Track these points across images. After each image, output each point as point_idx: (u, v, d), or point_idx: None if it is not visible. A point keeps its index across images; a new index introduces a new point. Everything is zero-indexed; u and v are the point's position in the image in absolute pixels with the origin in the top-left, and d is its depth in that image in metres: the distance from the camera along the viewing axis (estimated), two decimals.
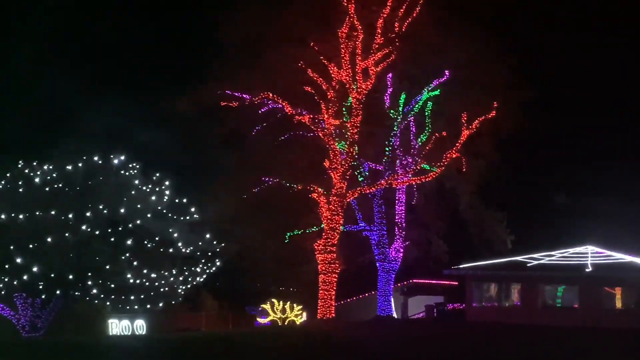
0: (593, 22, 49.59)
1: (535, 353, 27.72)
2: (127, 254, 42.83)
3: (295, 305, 50.62)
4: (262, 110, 39.26)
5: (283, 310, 51.79)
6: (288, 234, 40.88)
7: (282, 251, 43.02)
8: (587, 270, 40.13)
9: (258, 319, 51.56)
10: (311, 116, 38.02)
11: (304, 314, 48.94)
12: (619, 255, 42.44)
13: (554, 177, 52.97)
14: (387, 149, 41.60)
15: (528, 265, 42.60)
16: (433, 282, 52.40)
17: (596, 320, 38.30)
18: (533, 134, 44.87)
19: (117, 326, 46.62)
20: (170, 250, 44.72)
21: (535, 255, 43.99)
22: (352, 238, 46.43)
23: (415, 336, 32.74)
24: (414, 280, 53.98)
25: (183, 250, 45.29)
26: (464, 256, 45.86)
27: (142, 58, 53.51)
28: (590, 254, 42.87)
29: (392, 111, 41.79)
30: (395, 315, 53.38)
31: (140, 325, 46.97)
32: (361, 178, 41.44)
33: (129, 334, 45.73)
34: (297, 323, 48.73)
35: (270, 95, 38.02)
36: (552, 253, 44.22)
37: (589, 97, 51.73)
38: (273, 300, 51.73)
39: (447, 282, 50.14)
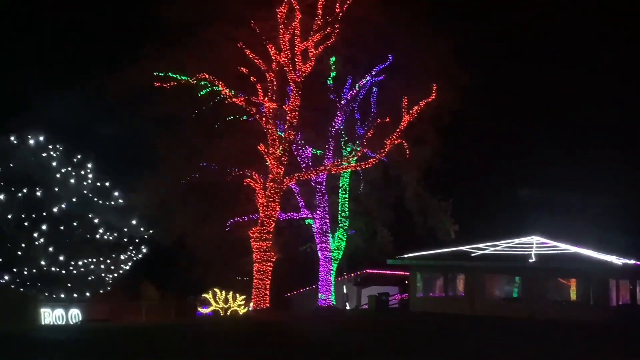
0: (535, 8, 48.89)
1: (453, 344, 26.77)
2: (42, 240, 40.85)
3: (238, 295, 49.39)
4: (200, 92, 37.79)
5: (225, 300, 50.54)
6: (230, 221, 39.59)
7: (222, 240, 41.51)
8: (530, 260, 39.49)
9: (199, 309, 50.24)
10: (245, 98, 36.62)
11: (251, 304, 47.66)
12: (564, 246, 42.00)
13: (499, 167, 52.29)
14: (329, 134, 40.55)
15: (472, 255, 41.93)
16: (387, 272, 51.39)
17: (539, 311, 37.66)
18: (478, 122, 44.14)
19: (50, 315, 44.87)
20: (89, 236, 42.86)
21: (480, 245, 43.44)
22: (296, 227, 45.46)
23: (337, 327, 31.59)
24: (368, 271, 53.10)
25: (106, 236, 43.49)
26: (409, 246, 45.18)
27: (70, 34, 50.44)
28: (535, 245, 42.36)
29: (335, 96, 40.71)
30: (348, 306, 52.62)
31: (75, 315, 45.34)
32: (304, 165, 40.32)
33: (63, 323, 44.06)
34: (240, 313, 47.55)
35: (207, 76, 36.56)
36: (497, 243, 43.70)
37: (533, 86, 51.11)
38: (215, 289, 50.47)
39: (401, 273, 49.21)
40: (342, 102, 40.70)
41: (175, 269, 49.90)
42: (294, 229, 45.86)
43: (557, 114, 51.60)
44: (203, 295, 50.31)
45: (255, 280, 37.11)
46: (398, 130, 38.20)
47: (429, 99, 37.56)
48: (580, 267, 38.54)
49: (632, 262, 40.32)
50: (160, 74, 36.66)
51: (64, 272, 42.19)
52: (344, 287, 54.84)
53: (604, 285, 38.12)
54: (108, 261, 44.20)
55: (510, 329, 32.24)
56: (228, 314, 49.62)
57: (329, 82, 40.38)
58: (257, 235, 36.86)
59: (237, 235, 39.63)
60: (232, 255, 45.24)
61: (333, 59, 40.09)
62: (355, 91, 40.70)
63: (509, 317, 36.90)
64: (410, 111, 37.94)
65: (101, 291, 45.00)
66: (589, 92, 52.75)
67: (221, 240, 41.58)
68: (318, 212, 42.03)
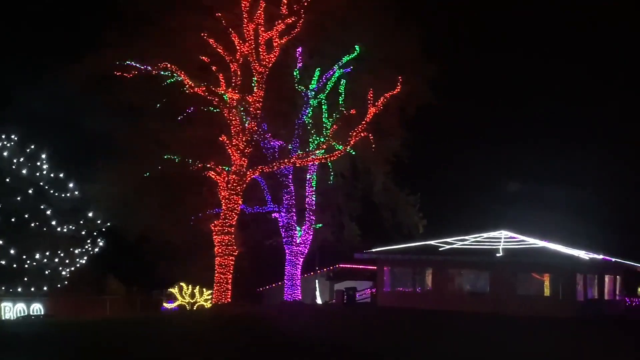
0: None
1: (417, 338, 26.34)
2: None
3: (205, 289, 48.63)
4: (165, 82, 36.89)
5: (192, 295, 49.77)
6: (193, 216, 38.76)
7: (187, 233, 40.61)
8: (497, 255, 39.08)
9: (165, 304, 49.44)
10: (208, 88, 35.78)
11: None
12: (532, 241, 41.69)
13: (468, 161, 51.93)
14: (295, 126, 39.88)
15: (440, 249, 41.47)
16: (360, 267, 50.85)
17: (506, 306, 37.28)
18: (446, 115, 43.69)
19: (11, 310, 43.92)
20: (45, 229, 41.72)
21: (448, 240, 43.02)
22: (262, 220, 44.74)
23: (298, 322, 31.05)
24: (341, 265, 52.57)
25: (61, 229, 42.34)
26: (378, 240, 44.65)
27: (27, 20, 48.99)
28: (503, 239, 41.99)
29: (302, 87, 40.01)
30: (320, 300, 52.04)
31: (37, 309, 44.42)
32: (269, 157, 39.61)
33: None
34: (207, 307, 46.81)
35: (168, 65, 35.66)
36: (466, 238, 43.28)
37: (503, 77, 50.69)
38: (182, 284, 49.66)
39: (375, 268, 48.67)
40: (309, 93, 39.99)
41: (140, 262, 48.91)
42: (260, 223, 45.15)
43: (527, 106, 51.28)
44: (169, 289, 49.59)
45: (216, 275, 36.33)
46: (364, 122, 37.58)
47: (395, 91, 36.94)
48: (547, 261, 38.20)
49: (600, 257, 40.06)
50: (121, 63, 35.74)
51: (15, 266, 41.01)
52: (317, 281, 54.33)
53: (571, 280, 37.81)
54: (62, 255, 43.05)
55: (471, 323, 31.83)
56: (195, 308, 48.95)
57: (294, 74, 39.59)
58: (219, 229, 36.07)
59: (201, 229, 38.78)
60: (197, 249, 44.37)
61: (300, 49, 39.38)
62: (321, 83, 40.00)
63: (476, 311, 36.53)
64: (376, 103, 37.29)
65: (59, 285, 43.90)
66: (561, 84, 52.54)
67: (186, 234, 40.69)
68: (284, 205, 41.34)
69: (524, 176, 51.10)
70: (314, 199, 42.27)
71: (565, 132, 52.87)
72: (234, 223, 36.40)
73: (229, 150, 36.29)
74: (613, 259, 40.73)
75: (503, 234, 42.95)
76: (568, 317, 34.76)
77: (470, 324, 31.64)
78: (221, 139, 35.96)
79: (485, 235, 43.25)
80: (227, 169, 36.50)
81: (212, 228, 36.32)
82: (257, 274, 53.51)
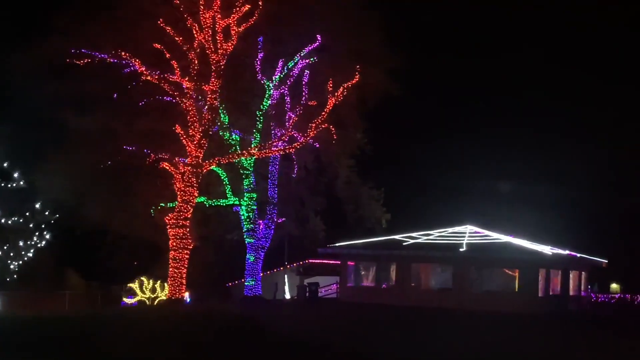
0: None
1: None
2: None
3: (166, 284, 47.50)
4: (120, 71, 35.72)
5: (153, 290, 48.67)
6: (157, 207, 37.65)
7: (146, 226, 39.43)
8: (460, 250, 38.48)
9: (124, 299, 48.31)
10: (163, 76, 34.70)
11: (187, 293, 45.90)
12: (496, 236, 41.18)
13: (434, 155, 51.16)
14: (256, 117, 38.90)
15: (404, 244, 40.79)
16: (330, 262, 50.02)
17: (470, 301, 36.66)
18: (413, 109, 42.92)
19: None
20: None
21: (413, 234, 42.44)
22: (223, 214, 43.75)
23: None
24: (310, 261, 51.77)
25: (5, 221, 40.94)
26: (342, 234, 43.90)
27: None
28: (468, 234, 41.42)
29: (263, 78, 39.00)
30: (288, 295, 51.14)
31: None
32: (233, 149, 38.57)
33: None
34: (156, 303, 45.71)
35: (123, 53, 34.50)
36: (431, 232, 42.72)
37: (466, 70, 49.91)
38: (142, 278, 48.54)
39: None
40: (270, 84, 39.00)
41: (99, 256, 47.69)
42: (223, 216, 44.17)
43: (494, 99, 50.55)
44: (129, 284, 48.42)
45: (170, 269, 35.28)
46: (323, 113, 36.68)
47: (354, 81, 36.08)
48: (510, 256, 37.79)
49: (566, 252, 39.56)
50: (74, 50, 34.55)
51: None
52: (286, 276, 53.46)
53: (533, 276, 37.32)
54: (6, 247, 41.72)
55: (423, 319, 31.22)
56: (155, 303, 47.85)
57: (255, 63, 38.60)
58: (174, 222, 35.02)
59: (159, 222, 37.65)
60: (158, 243, 43.25)
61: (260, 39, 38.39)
62: (282, 72, 39.05)
63: (439, 307, 35.89)
64: (336, 93, 36.40)
65: (7, 279, 42.60)
66: (529, 78, 51.91)
67: (144, 227, 39.53)
68: (245, 198, 40.35)
69: (491, 171, 50.50)
70: (276, 192, 41.31)
71: (533, 127, 52.29)
72: (188, 216, 35.35)
73: (184, 141, 35.23)
74: (578, 255, 40.22)
75: (468, 229, 42.42)
76: (529, 312, 34.21)
77: (422, 320, 30.99)
78: (175, 129, 34.87)
79: (450, 230, 42.71)
80: (183, 160, 35.42)
81: (167, 221, 35.24)
82: (227, 269, 52.62)
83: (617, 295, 52.20)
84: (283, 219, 43.04)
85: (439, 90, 47.54)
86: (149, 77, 34.53)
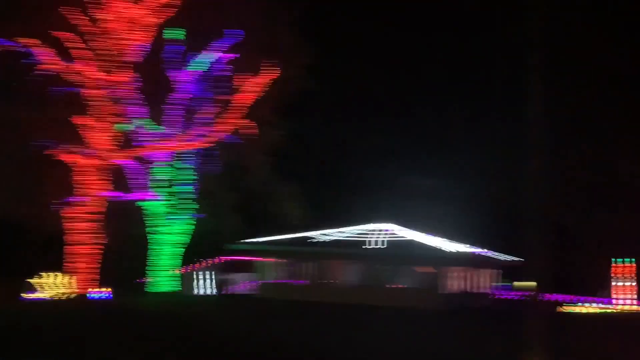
0: None
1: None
2: None
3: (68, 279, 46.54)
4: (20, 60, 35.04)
5: (54, 285, 47.48)
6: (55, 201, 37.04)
7: (49, 220, 38.69)
8: (364, 247, 39.11)
9: (23, 294, 47.11)
10: (67, 66, 34.26)
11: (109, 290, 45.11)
12: (408, 233, 41.64)
13: (354, 151, 51.16)
14: (167, 111, 38.71)
15: (315, 241, 41.07)
16: (251, 259, 49.90)
17: (378, 297, 37.14)
18: (330, 104, 43.10)
19: None
20: None
21: (327, 232, 42.63)
22: (133, 208, 43.27)
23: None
24: (229, 258, 51.50)
25: None
26: (260, 231, 43.87)
27: None
28: (380, 231, 41.82)
29: (174, 71, 38.81)
30: (209, 291, 50.67)
31: None
32: (142, 142, 38.27)
33: None
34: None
35: (23, 41, 33.92)
36: (344, 230, 42.96)
37: (384, 65, 49.73)
38: (42, 273, 47.33)
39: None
40: (182, 77, 38.81)
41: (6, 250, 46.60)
42: (134, 211, 43.69)
43: (412, 94, 50.49)
44: (27, 279, 47.18)
45: (68, 264, 34.74)
46: (236, 108, 36.69)
47: (268, 77, 36.19)
48: (418, 254, 38.26)
49: (471, 250, 40.34)
50: None
51: None
52: (201, 273, 53.08)
53: (437, 273, 37.96)
54: None
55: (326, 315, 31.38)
56: (57, 299, 46.68)
57: (167, 56, 38.38)
58: (72, 216, 34.49)
59: (62, 215, 37.03)
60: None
61: (173, 31, 38.14)
62: (195, 66, 38.89)
63: (350, 303, 36.28)
64: (248, 88, 36.46)
65: None
66: (447, 68, 51.42)
67: (47, 221, 38.80)
68: (162, 193, 40.02)
69: (416, 169, 50.66)
70: (193, 187, 41.15)
71: (452, 123, 52.42)
72: (90, 211, 34.88)
73: (86, 133, 34.82)
74: (483, 253, 41.03)
75: (383, 226, 42.79)
76: (431, 308, 34.80)
77: (325, 316, 31.19)
78: (77, 120, 34.43)
79: (364, 227, 43.04)
80: (83, 152, 34.99)
81: (64, 216, 34.70)
82: (140, 264, 51.93)
83: (527, 293, 52.98)
84: (202, 215, 42.87)
85: (354, 86, 47.42)
86: (52, 67, 34.00)
